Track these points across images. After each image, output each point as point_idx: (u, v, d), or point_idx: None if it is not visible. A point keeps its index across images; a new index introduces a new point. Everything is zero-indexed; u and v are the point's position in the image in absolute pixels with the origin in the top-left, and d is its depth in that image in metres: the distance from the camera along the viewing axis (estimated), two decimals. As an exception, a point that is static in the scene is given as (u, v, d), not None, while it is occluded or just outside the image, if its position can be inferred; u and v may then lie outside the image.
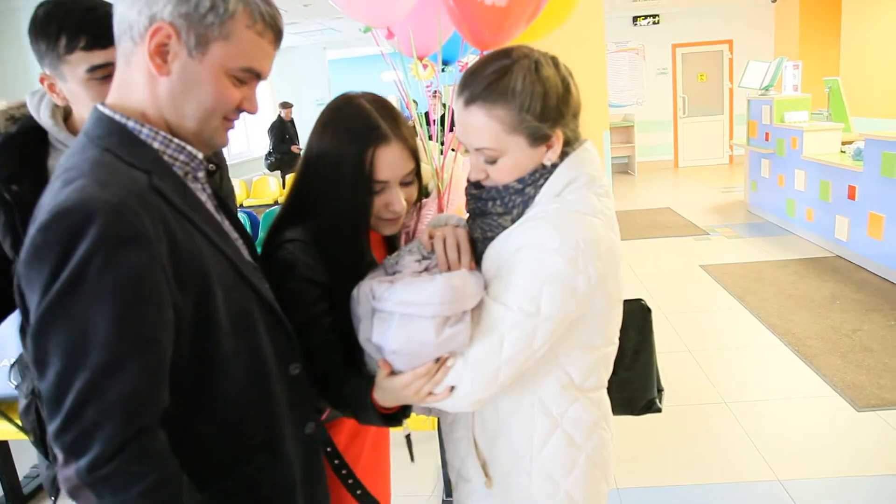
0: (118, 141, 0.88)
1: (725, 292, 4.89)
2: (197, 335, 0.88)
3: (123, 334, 0.78)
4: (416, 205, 1.34)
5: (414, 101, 1.98)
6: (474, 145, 1.09)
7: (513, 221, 1.11)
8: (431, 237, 1.19)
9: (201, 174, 0.99)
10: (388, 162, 1.18)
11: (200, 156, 0.96)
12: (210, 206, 1.01)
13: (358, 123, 1.18)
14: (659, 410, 1.54)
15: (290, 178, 3.79)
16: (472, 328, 1.04)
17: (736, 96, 10.84)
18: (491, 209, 1.13)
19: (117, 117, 0.90)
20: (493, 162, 1.08)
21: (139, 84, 0.90)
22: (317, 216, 1.21)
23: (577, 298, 1.04)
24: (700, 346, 3.89)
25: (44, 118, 1.25)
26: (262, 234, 3.76)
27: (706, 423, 3.11)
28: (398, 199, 1.21)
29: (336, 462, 1.23)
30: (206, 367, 0.91)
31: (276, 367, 1.03)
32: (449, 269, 1.14)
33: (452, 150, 1.83)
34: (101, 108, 0.91)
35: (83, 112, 1.21)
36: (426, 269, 1.15)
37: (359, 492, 1.24)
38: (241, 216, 5.70)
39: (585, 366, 1.14)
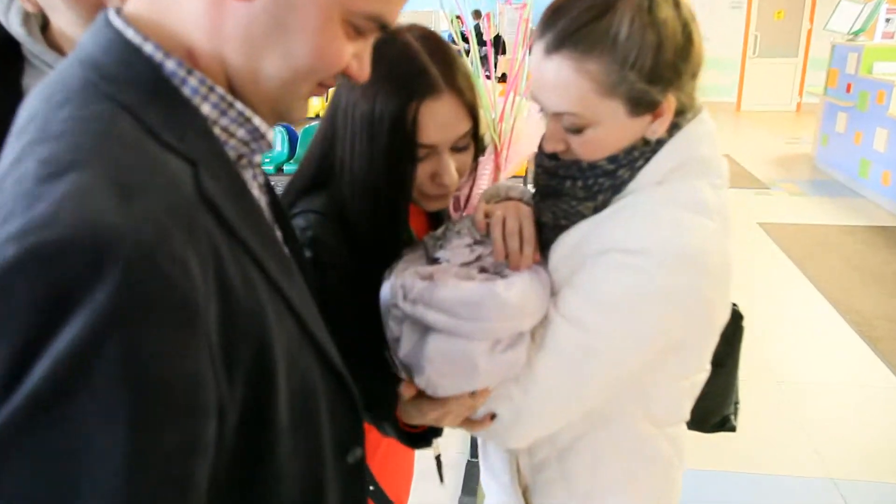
0: (145, 94, 0.52)
1: (784, 256, 4.55)
2: (243, 444, 0.54)
3: (146, 478, 0.43)
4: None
5: (457, 18, 1.61)
6: (554, 108, 0.82)
7: (595, 210, 0.85)
8: (488, 216, 0.94)
9: (258, 158, 0.66)
10: (438, 120, 0.91)
11: (270, 134, 0.62)
12: (265, 207, 0.67)
13: (400, 67, 0.91)
14: (733, 429, 1.30)
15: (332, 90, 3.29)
16: (533, 349, 0.80)
17: (814, 39, 10.00)
18: (568, 190, 0.87)
19: (147, 48, 0.53)
20: (577, 131, 0.81)
21: (192, 1, 0.54)
22: (342, 185, 0.96)
23: (675, 324, 0.79)
24: (753, 312, 3.58)
25: (14, 26, 1.00)
26: (299, 150, 3.43)
27: (758, 403, 2.87)
28: (448, 170, 0.95)
29: None
30: (251, 488, 0.57)
31: (333, 455, 0.68)
32: (507, 258, 0.90)
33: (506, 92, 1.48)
34: (115, 20, 0.54)
35: (63, 24, 0.96)
36: (478, 259, 0.91)
37: (371, 488, 1.05)
38: (278, 131, 5.17)
39: (670, 399, 0.91)
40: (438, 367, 0.79)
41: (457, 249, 0.92)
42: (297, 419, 0.60)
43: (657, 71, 0.76)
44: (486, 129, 1.25)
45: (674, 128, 0.83)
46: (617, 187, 0.84)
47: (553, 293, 0.86)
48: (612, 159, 0.83)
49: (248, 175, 0.64)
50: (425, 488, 1.53)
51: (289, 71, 0.58)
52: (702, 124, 0.86)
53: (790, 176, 6.68)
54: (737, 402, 1.33)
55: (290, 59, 0.57)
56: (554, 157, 0.88)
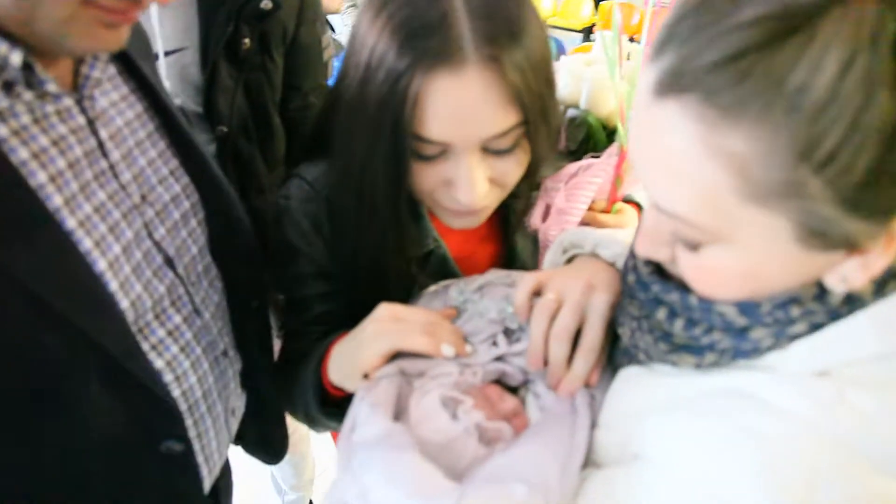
0: None
1: None
2: None
3: None
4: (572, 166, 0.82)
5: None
6: (657, 199, 0.46)
7: (697, 367, 0.51)
8: (538, 292, 0.63)
9: (50, 86, 0.55)
10: (449, 106, 0.60)
11: (14, 60, 0.50)
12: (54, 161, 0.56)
13: (412, 14, 0.60)
14: None
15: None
16: None
17: None
18: (661, 323, 0.52)
19: None
20: (692, 247, 0.46)
21: None
22: (332, 163, 0.76)
23: None
24: None
25: None
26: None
27: None
28: (468, 182, 0.64)
29: None
30: None
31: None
32: (545, 364, 0.60)
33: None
34: None
35: None
36: (500, 361, 0.65)
37: None
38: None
39: None
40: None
41: (476, 331, 0.66)
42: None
43: (876, 178, 0.37)
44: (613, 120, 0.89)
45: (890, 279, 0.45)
46: (743, 351, 0.48)
47: (595, 462, 0.55)
48: (748, 309, 0.46)
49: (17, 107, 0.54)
50: None
51: None
52: None
53: None
54: None
55: None
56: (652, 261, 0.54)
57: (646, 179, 0.46)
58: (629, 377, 0.57)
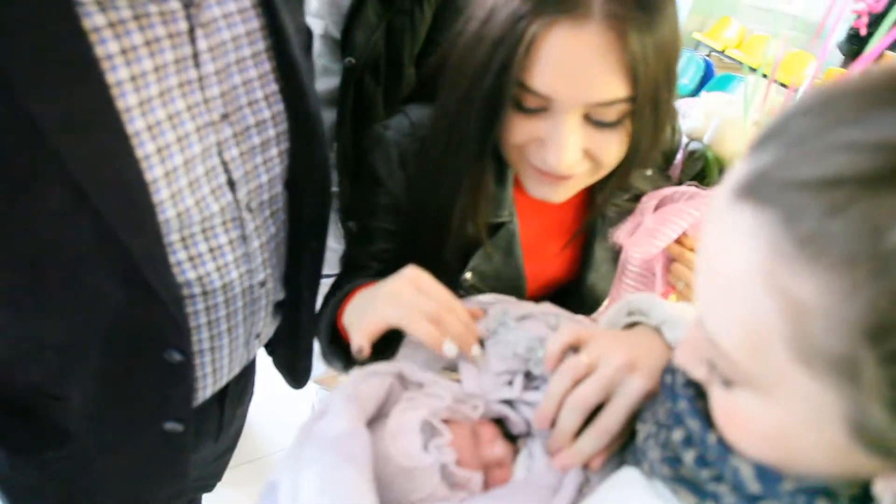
0: None
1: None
2: None
3: None
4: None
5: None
6: (705, 318, 0.37)
7: None
8: (575, 347, 0.58)
9: None
10: (559, 59, 0.59)
11: None
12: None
13: None
14: None
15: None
16: None
17: None
18: (675, 442, 0.46)
19: None
20: (726, 384, 0.39)
21: None
22: (436, 105, 0.76)
23: None
24: None
25: None
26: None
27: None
28: (561, 143, 0.63)
29: None
30: None
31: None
32: (551, 426, 0.56)
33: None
34: None
35: None
36: (509, 404, 0.60)
37: None
38: (692, 58, 4.67)
39: None
40: None
41: (489, 368, 0.62)
42: None
43: None
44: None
45: None
46: None
47: None
48: (767, 477, 0.39)
49: None
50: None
51: None
52: None
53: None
54: None
55: None
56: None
57: (699, 286, 0.38)
58: (628, 481, 0.50)
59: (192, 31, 0.61)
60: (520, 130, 0.66)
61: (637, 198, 0.83)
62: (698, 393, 0.46)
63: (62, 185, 0.53)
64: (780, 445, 0.37)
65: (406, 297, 0.63)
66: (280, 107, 0.74)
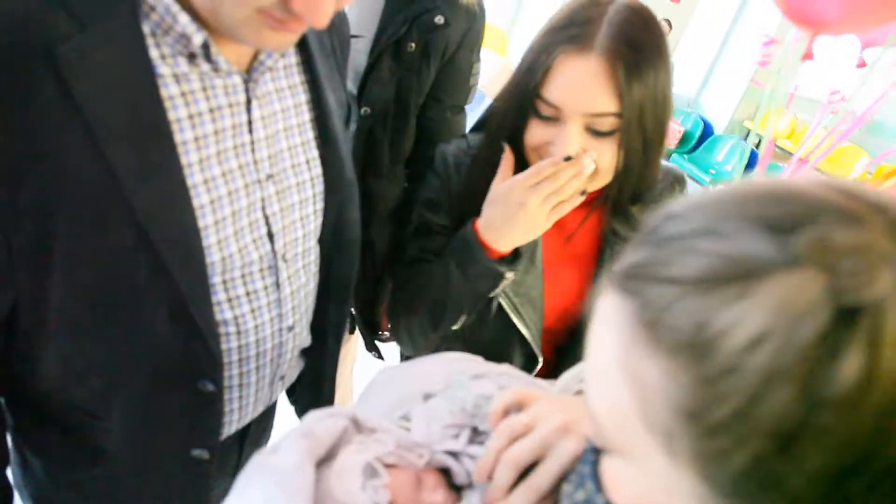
0: None
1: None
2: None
3: None
4: None
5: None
6: (586, 389, 0.42)
7: None
8: (521, 407, 0.62)
9: (221, 62, 0.66)
10: (569, 78, 0.81)
11: (196, 40, 0.62)
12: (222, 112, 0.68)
13: (573, 13, 0.84)
14: None
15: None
16: None
17: None
18: (578, 501, 0.51)
19: None
20: (605, 452, 0.43)
21: None
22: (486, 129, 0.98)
23: None
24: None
25: None
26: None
27: None
28: (565, 142, 0.83)
29: None
30: None
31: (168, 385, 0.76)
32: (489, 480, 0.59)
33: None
34: None
35: None
36: (453, 456, 0.64)
37: None
38: (738, 145, 4.84)
39: None
40: None
41: (436, 419, 0.65)
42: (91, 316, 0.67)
43: (747, 478, 0.32)
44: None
45: None
46: None
47: None
48: None
49: (190, 73, 0.65)
50: None
51: None
52: None
53: None
54: None
55: None
56: None
57: (585, 361, 0.42)
58: None
59: (248, 101, 0.71)
60: (536, 133, 0.87)
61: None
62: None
63: (128, 225, 0.62)
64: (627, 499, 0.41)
65: (531, 207, 0.86)
66: (319, 170, 0.83)
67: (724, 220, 0.33)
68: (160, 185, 0.63)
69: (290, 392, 1.08)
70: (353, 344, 1.78)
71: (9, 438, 0.82)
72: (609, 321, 0.38)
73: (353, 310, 1.53)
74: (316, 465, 0.58)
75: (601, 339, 0.39)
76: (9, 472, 0.82)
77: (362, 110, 1.29)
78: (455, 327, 0.97)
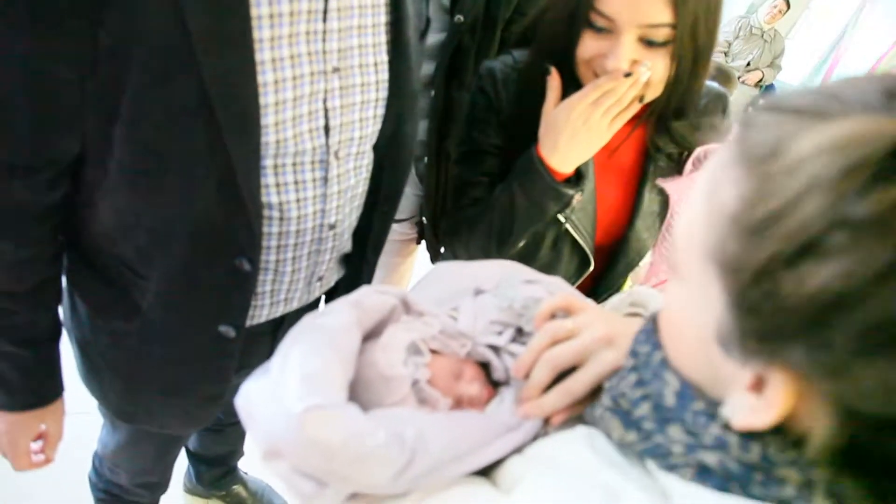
0: None
1: None
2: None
3: None
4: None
5: None
6: (675, 227, 0.45)
7: (620, 441, 0.48)
8: (567, 312, 0.62)
9: None
10: None
11: None
12: None
13: None
14: None
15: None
16: None
17: None
18: (625, 387, 0.50)
19: None
20: (674, 271, 0.45)
21: None
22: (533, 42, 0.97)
23: None
24: None
25: None
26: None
27: None
28: (618, 52, 0.83)
29: None
30: None
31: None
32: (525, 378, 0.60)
33: None
34: None
35: None
36: (494, 351, 0.65)
37: None
38: None
39: None
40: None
41: (484, 315, 0.66)
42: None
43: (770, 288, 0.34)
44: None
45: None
46: (651, 451, 0.45)
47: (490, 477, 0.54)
48: (685, 393, 0.43)
49: None
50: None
51: None
52: None
53: None
54: None
55: None
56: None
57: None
58: (573, 435, 0.53)
59: None
60: (590, 45, 0.86)
61: (689, 153, 1.00)
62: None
63: (192, 87, 0.64)
64: (676, 334, 0.45)
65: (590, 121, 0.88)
66: (385, 76, 0.83)
67: (852, 83, 0.36)
68: (229, 53, 0.65)
69: (329, 299, 1.11)
70: (414, 256, 1.79)
71: (63, 281, 0.88)
72: (721, 149, 0.41)
73: (423, 219, 1.55)
74: (362, 338, 0.60)
75: (710, 161, 0.42)
76: (60, 312, 0.89)
77: (455, 18, 1.30)
78: (516, 249, 1.00)
